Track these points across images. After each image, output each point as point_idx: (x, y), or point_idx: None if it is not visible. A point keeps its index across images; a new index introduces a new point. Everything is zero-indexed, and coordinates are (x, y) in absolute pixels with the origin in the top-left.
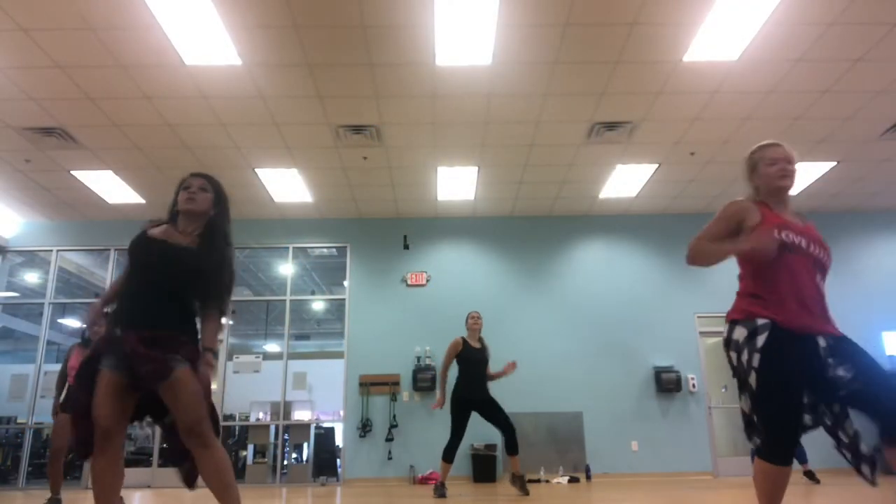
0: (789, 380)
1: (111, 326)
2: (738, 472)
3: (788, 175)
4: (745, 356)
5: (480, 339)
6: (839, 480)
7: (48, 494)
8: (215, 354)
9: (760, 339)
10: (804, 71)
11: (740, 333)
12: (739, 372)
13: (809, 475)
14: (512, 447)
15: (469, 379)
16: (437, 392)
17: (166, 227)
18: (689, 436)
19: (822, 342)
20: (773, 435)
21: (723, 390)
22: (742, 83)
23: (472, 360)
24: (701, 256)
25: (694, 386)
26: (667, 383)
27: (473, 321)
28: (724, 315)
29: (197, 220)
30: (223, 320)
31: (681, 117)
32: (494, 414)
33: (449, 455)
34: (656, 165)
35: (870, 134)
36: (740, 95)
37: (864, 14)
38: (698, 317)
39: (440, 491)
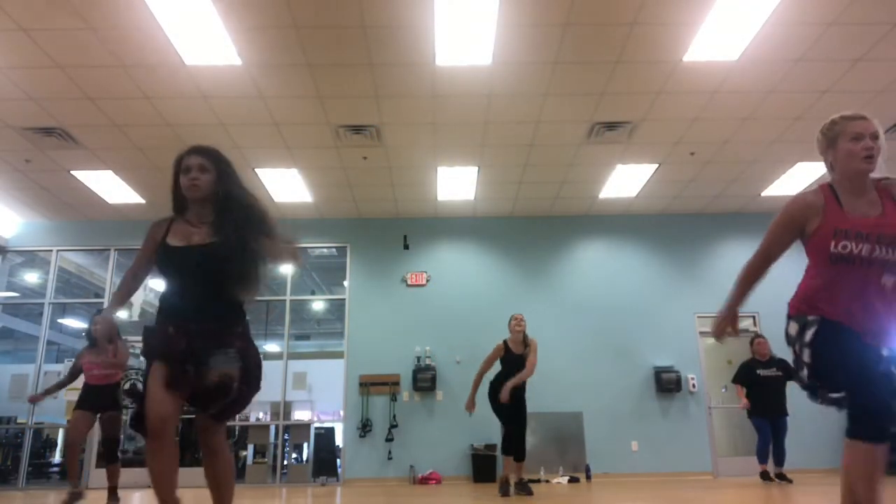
0: (848, 358)
1: (162, 322)
2: (738, 472)
3: (873, 155)
4: (797, 350)
5: (524, 342)
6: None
7: (48, 494)
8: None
9: (809, 334)
10: (804, 71)
11: (793, 328)
12: (797, 365)
13: (781, 476)
14: (517, 455)
15: (502, 378)
16: (469, 395)
17: (180, 227)
18: (689, 436)
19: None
20: (857, 411)
21: (723, 390)
22: (742, 83)
23: (511, 363)
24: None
25: (694, 386)
26: (667, 383)
27: (516, 323)
28: None
29: (206, 202)
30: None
31: (681, 117)
32: (516, 419)
33: (506, 447)
34: (656, 165)
35: None
36: (740, 95)
37: (864, 14)
38: (698, 317)
39: (503, 489)
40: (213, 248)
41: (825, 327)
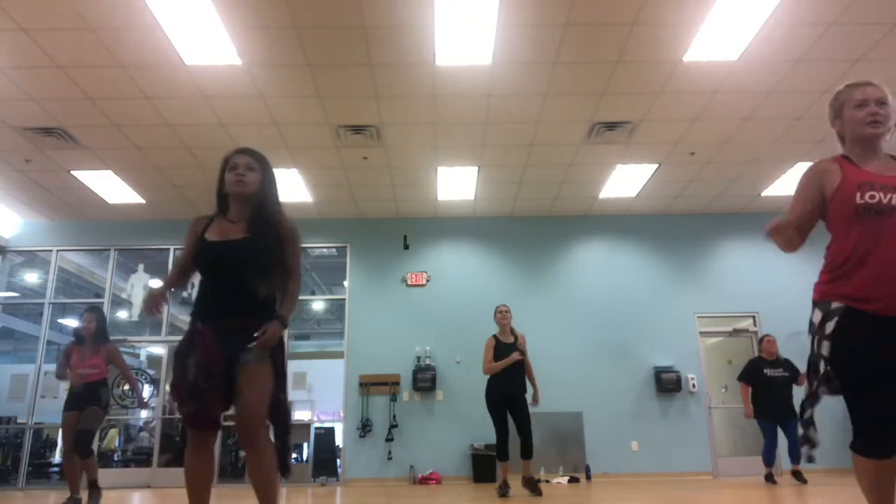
0: (866, 367)
1: (195, 320)
2: (738, 472)
3: (879, 121)
4: (815, 341)
5: (513, 332)
6: (845, 480)
7: (49, 494)
8: (284, 323)
9: (830, 325)
10: (804, 71)
11: (816, 316)
12: (810, 357)
13: (797, 475)
14: (525, 453)
15: (499, 376)
16: (498, 365)
17: (219, 224)
18: (689, 436)
19: None
20: (859, 425)
21: (723, 390)
22: (742, 83)
23: (504, 354)
24: (782, 244)
25: (694, 386)
26: (667, 383)
27: (502, 315)
28: (725, 315)
29: (247, 201)
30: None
31: (681, 117)
32: (519, 415)
33: (501, 453)
34: (656, 165)
35: None
36: (740, 95)
37: (864, 14)
38: (698, 317)
39: (502, 490)
40: (245, 242)
41: (848, 318)
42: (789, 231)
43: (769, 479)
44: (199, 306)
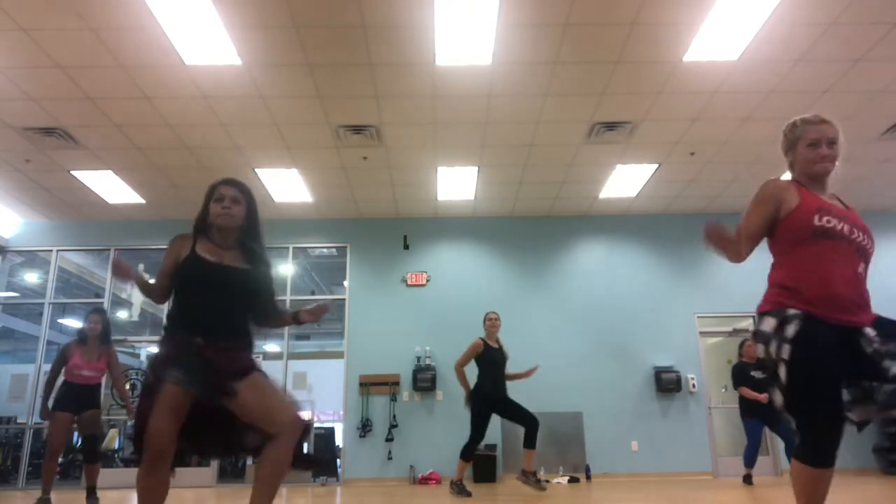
0: (826, 372)
1: (187, 335)
2: (738, 473)
3: (828, 160)
4: (773, 347)
5: (498, 340)
6: (845, 481)
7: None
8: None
9: (791, 329)
10: (804, 71)
11: (769, 324)
12: (768, 364)
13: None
14: (530, 441)
15: (491, 379)
16: (463, 390)
17: (206, 244)
18: (689, 436)
19: (868, 332)
20: (812, 434)
21: (723, 390)
22: (742, 83)
23: (492, 360)
24: (730, 255)
25: (694, 386)
26: (667, 383)
27: (491, 322)
28: (725, 315)
29: (231, 231)
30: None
31: (681, 117)
32: (516, 411)
33: (467, 454)
34: (656, 165)
35: (870, 134)
36: (740, 95)
37: (864, 14)
38: (698, 317)
39: (459, 488)
40: (251, 274)
41: (809, 324)
42: (737, 245)
43: (747, 480)
44: (196, 322)
